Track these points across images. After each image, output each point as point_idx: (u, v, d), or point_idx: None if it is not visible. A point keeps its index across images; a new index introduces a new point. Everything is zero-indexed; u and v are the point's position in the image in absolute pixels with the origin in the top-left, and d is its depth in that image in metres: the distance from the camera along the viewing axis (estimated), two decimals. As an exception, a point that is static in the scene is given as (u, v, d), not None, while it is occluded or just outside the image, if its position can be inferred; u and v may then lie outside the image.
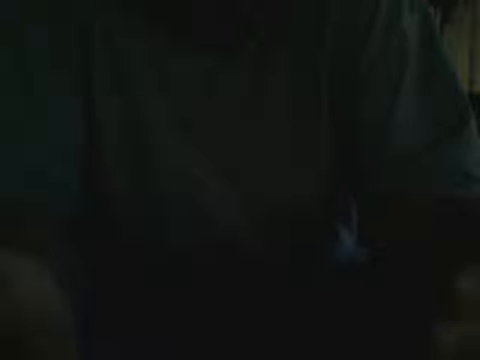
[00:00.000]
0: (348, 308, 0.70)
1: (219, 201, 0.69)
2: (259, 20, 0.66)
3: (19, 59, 0.64)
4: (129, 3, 0.65)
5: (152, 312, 0.71)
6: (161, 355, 0.70)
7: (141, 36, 0.65)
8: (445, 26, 2.54)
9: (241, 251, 0.71)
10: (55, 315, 0.41)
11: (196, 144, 0.67)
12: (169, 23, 0.65)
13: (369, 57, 0.67)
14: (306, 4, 0.67)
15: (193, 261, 0.71)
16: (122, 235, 0.71)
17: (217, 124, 0.67)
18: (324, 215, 0.75)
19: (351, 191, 0.74)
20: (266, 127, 0.67)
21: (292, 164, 0.69)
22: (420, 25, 0.68)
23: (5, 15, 0.65)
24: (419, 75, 0.67)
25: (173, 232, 0.70)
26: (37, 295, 0.40)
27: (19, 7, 0.65)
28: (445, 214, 0.61)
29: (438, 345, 0.37)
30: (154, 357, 0.69)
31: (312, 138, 0.68)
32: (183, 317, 0.72)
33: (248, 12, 0.65)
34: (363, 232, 0.75)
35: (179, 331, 0.72)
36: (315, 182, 0.70)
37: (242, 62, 0.66)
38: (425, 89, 0.67)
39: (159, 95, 0.66)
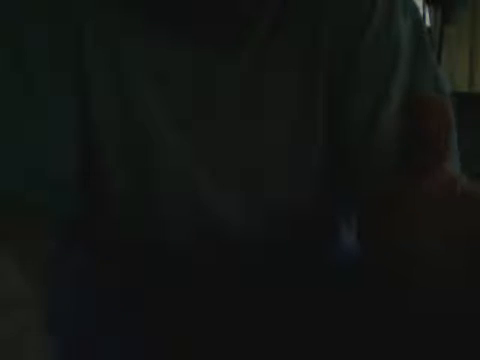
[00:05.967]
0: (348, 306, 0.70)
1: (219, 201, 0.69)
2: (258, 19, 0.66)
3: (19, 59, 0.64)
4: (128, 2, 0.65)
5: (152, 312, 0.71)
6: (161, 355, 0.70)
7: (140, 35, 0.65)
8: (445, 26, 2.54)
9: (240, 250, 0.71)
10: None
11: (196, 144, 0.67)
12: (168, 22, 0.65)
13: (362, 58, 0.67)
14: (304, 4, 0.67)
15: (193, 261, 0.71)
16: (122, 235, 0.71)
17: (217, 124, 0.67)
18: (324, 213, 0.75)
19: (345, 190, 0.74)
20: (265, 126, 0.68)
21: (291, 163, 0.69)
22: (412, 29, 0.69)
23: (5, 15, 0.65)
24: (408, 78, 0.68)
25: (173, 232, 0.70)
26: None
27: (19, 7, 0.65)
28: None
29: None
30: (154, 357, 0.69)
31: (311, 137, 0.68)
32: (183, 317, 0.72)
33: (248, 11, 0.65)
34: (360, 230, 0.76)
35: (179, 331, 0.72)
36: (314, 180, 0.70)
37: (242, 62, 0.66)
38: (412, 92, 0.68)
39: (158, 95, 0.66)
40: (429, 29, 2.49)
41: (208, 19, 0.64)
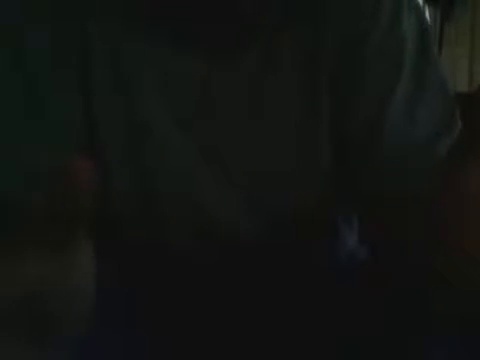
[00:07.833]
0: (349, 306, 0.70)
1: (219, 201, 0.69)
2: (261, 20, 0.66)
3: (19, 59, 0.64)
4: (130, 2, 0.65)
5: (152, 312, 0.71)
6: (162, 354, 0.70)
7: (142, 35, 0.65)
8: (445, 26, 2.54)
9: (242, 251, 0.71)
10: None
11: (196, 144, 0.67)
12: (170, 22, 0.65)
13: (367, 58, 0.67)
14: (307, 5, 0.67)
15: (193, 261, 0.71)
16: (122, 235, 0.71)
17: (217, 124, 0.67)
18: (325, 214, 0.75)
19: (347, 190, 0.74)
20: (267, 127, 0.68)
21: (293, 163, 0.69)
22: (416, 27, 0.69)
23: (5, 15, 0.65)
24: (413, 77, 0.68)
25: (173, 232, 0.70)
26: None
27: (19, 7, 0.65)
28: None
29: None
30: (155, 356, 0.69)
31: (313, 137, 0.68)
32: (183, 317, 0.72)
33: (250, 12, 0.65)
34: (362, 230, 0.76)
35: (179, 331, 0.72)
36: (316, 181, 0.70)
37: (244, 62, 0.66)
38: (418, 92, 0.68)
39: (159, 95, 0.66)
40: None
41: (210, 20, 0.64)
